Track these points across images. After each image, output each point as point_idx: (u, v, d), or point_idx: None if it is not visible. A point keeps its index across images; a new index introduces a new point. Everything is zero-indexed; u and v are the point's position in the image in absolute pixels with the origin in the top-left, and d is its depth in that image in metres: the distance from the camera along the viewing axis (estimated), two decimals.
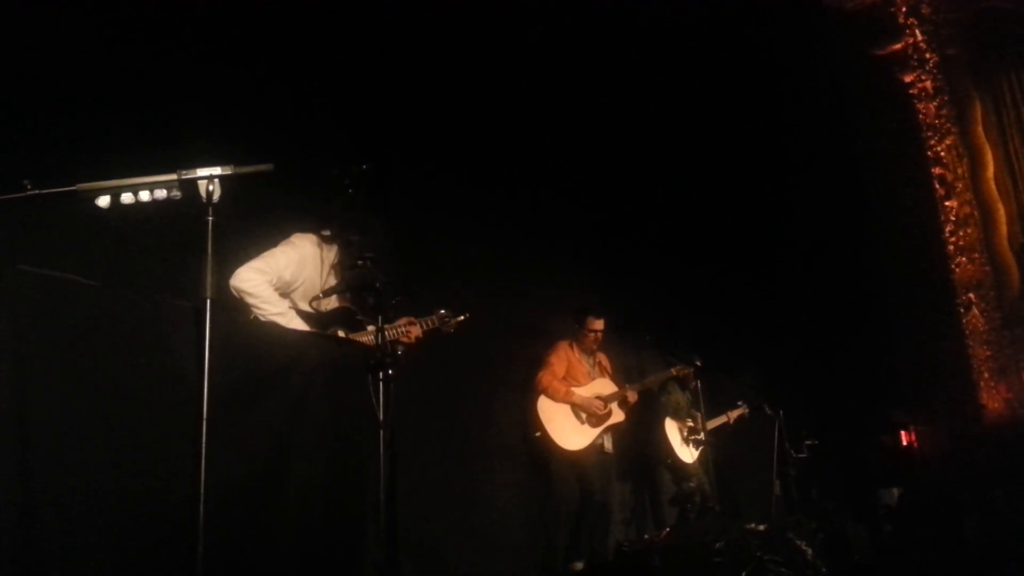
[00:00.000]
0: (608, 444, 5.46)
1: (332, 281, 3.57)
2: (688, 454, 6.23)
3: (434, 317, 3.76)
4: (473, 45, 5.83)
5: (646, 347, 6.94)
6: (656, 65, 6.93)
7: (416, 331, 3.65)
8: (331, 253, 3.60)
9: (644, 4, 6.42)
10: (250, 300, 3.31)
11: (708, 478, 5.97)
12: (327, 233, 3.58)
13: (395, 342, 3.41)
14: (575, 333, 5.61)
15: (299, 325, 3.34)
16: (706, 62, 7.08)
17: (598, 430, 5.36)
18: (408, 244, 5.25)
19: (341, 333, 3.44)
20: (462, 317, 3.86)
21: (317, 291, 3.53)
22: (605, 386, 5.55)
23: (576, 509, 5.26)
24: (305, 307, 3.48)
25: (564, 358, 5.51)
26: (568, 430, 5.29)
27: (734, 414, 6.47)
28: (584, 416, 5.34)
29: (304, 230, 3.60)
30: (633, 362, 6.87)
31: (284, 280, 3.43)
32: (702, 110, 7.30)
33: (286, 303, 3.40)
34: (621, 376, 6.06)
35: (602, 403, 5.37)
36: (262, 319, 3.29)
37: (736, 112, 7.35)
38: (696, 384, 5.81)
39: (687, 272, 7.27)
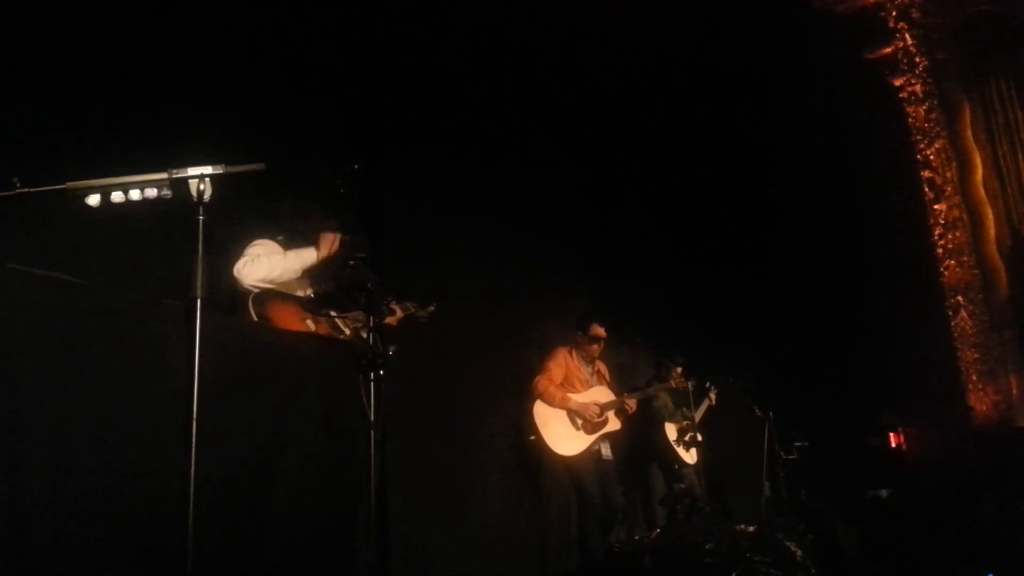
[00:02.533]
0: (606, 451, 5.46)
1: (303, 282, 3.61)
2: (688, 455, 6.27)
3: (407, 304, 3.82)
4: (467, 48, 5.83)
5: (639, 348, 6.96)
6: (647, 69, 6.94)
7: (399, 311, 3.75)
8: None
9: (635, 7, 6.43)
10: (267, 271, 3.39)
11: (699, 479, 5.99)
12: (281, 238, 3.64)
13: (387, 333, 3.46)
14: (577, 340, 5.61)
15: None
16: (697, 64, 7.09)
17: (593, 437, 5.35)
18: (402, 249, 5.26)
19: (333, 313, 3.47)
20: (431, 308, 3.92)
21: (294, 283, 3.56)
22: (603, 394, 5.55)
23: (575, 513, 5.27)
24: None
25: (563, 364, 5.51)
26: (563, 436, 5.28)
27: (713, 396, 6.56)
28: (580, 422, 5.34)
29: (254, 239, 3.63)
30: (628, 361, 6.89)
31: None
32: (694, 112, 7.31)
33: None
34: (615, 377, 6.07)
35: (598, 410, 5.36)
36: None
37: (727, 114, 7.37)
38: (688, 385, 5.84)
39: (679, 274, 7.29)
